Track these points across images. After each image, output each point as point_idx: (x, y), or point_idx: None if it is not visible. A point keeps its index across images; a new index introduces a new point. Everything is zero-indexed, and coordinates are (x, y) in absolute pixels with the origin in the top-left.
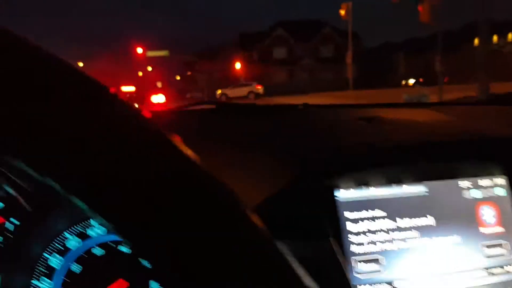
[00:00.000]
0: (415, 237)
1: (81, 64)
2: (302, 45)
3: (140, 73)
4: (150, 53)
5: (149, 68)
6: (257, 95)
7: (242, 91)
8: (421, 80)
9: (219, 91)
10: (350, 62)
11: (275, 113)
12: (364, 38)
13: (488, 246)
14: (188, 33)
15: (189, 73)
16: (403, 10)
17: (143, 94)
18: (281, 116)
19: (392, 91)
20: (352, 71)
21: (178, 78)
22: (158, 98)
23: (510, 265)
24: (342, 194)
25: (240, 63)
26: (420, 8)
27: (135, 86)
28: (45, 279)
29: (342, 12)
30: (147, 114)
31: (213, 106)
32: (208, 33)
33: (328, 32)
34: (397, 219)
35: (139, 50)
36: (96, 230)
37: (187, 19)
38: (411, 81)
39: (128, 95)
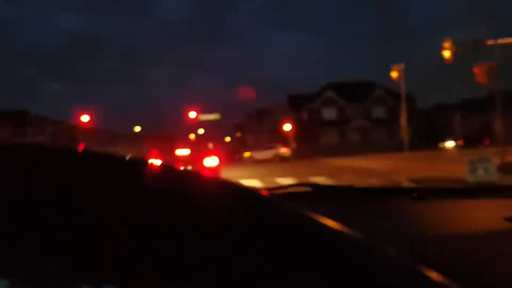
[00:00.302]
0: None
1: (138, 129)
2: (353, 106)
3: (192, 136)
4: (203, 117)
5: (201, 131)
6: (283, 157)
7: (267, 154)
8: (460, 142)
9: (247, 154)
10: (405, 124)
11: (378, 197)
12: (417, 99)
13: None
14: (237, 95)
15: (238, 134)
16: (457, 71)
17: (196, 157)
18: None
19: (450, 152)
20: (407, 133)
21: (228, 139)
22: (211, 161)
23: None
24: None
25: (289, 124)
26: (475, 69)
27: (189, 148)
28: None
29: (394, 74)
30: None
31: (309, 189)
32: (258, 95)
33: (380, 94)
34: None
35: (192, 114)
36: None
37: (237, 82)
38: (450, 144)
39: (182, 159)
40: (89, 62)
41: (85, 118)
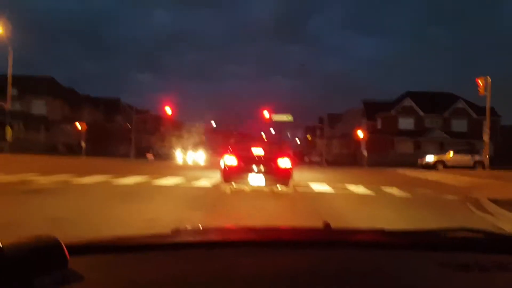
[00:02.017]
0: None
1: (214, 124)
2: (432, 117)
3: (264, 136)
4: (276, 117)
5: (272, 131)
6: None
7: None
8: None
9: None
10: (487, 141)
11: None
12: (502, 115)
13: None
14: (312, 98)
15: (309, 137)
16: None
17: (270, 156)
18: None
19: None
20: (488, 150)
21: (298, 141)
22: (285, 162)
23: None
24: None
25: (362, 131)
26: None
27: (262, 147)
28: None
29: (481, 88)
30: None
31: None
32: (332, 99)
33: (461, 106)
34: None
35: (266, 114)
36: None
37: (314, 85)
38: None
39: (256, 157)
40: (174, 56)
41: (168, 110)
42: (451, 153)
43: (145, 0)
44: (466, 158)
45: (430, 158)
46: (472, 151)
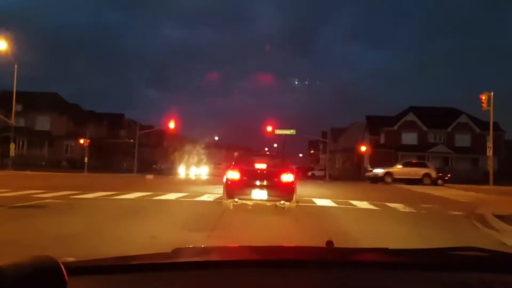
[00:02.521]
0: None
1: (216, 138)
2: (435, 132)
3: (267, 149)
4: (279, 131)
5: (275, 145)
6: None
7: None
8: None
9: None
10: (491, 155)
11: None
12: (507, 129)
13: None
14: (315, 113)
15: (312, 151)
16: None
17: (273, 170)
18: None
19: None
20: (493, 164)
21: (300, 155)
22: (288, 177)
23: None
24: None
25: (365, 146)
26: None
27: (265, 162)
28: None
29: (484, 104)
30: None
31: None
32: (335, 113)
33: (464, 121)
34: None
35: (269, 128)
36: None
37: (317, 99)
38: None
39: (259, 172)
40: (179, 71)
41: (171, 125)
42: (399, 166)
43: (153, 16)
44: (415, 171)
45: (378, 170)
46: (422, 164)
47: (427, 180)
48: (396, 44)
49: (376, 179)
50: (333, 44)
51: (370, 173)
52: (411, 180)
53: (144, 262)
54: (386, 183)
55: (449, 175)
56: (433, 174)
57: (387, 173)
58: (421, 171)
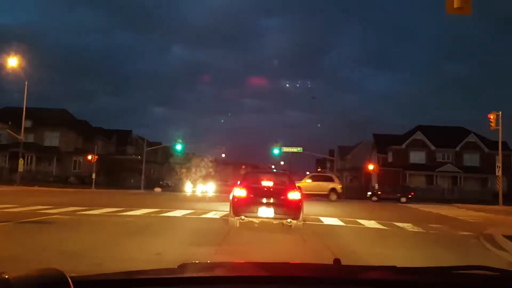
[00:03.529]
0: None
1: (223, 155)
2: (443, 152)
3: (273, 167)
4: (286, 149)
5: (282, 163)
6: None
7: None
8: None
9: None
10: (500, 175)
11: None
12: None
13: None
14: (323, 131)
15: (319, 169)
16: None
17: (280, 188)
18: None
19: None
20: (502, 184)
21: (307, 173)
22: (295, 195)
23: None
24: None
25: (373, 164)
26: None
27: (272, 180)
28: None
29: (493, 123)
30: None
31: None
32: (342, 133)
33: (473, 140)
34: None
35: (276, 146)
36: None
37: (324, 118)
38: None
39: (266, 190)
40: (188, 90)
41: (179, 146)
42: (308, 180)
43: (163, 37)
44: (322, 186)
45: None
46: (328, 177)
47: (333, 196)
48: (404, 67)
49: None
50: (344, 66)
51: None
52: (318, 195)
53: (149, 277)
54: None
55: (412, 193)
56: (339, 188)
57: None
58: (328, 185)
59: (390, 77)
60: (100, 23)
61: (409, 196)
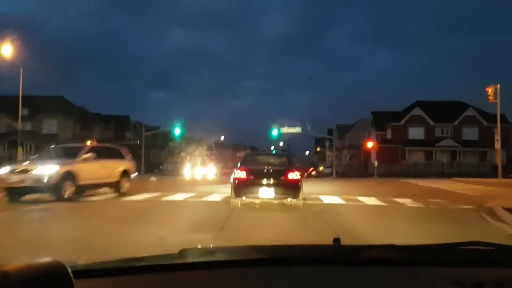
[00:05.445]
0: None
1: (222, 138)
2: (442, 126)
3: (272, 148)
4: (284, 130)
5: (281, 144)
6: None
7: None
8: None
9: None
10: (499, 148)
11: None
12: None
13: None
14: (323, 110)
15: (318, 149)
16: None
17: (278, 169)
18: None
19: None
20: (501, 157)
21: (307, 153)
22: (294, 175)
23: None
24: None
25: (372, 142)
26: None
27: (271, 161)
28: None
29: (490, 96)
30: None
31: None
32: (342, 111)
33: (471, 114)
34: None
35: (275, 127)
36: None
37: (324, 97)
38: None
39: (266, 171)
40: (186, 73)
41: (177, 130)
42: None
43: (160, 21)
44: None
45: None
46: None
47: (125, 184)
48: (403, 42)
49: None
50: (343, 44)
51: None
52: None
53: (150, 264)
54: None
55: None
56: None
57: None
58: (117, 166)
59: (389, 53)
60: (97, 7)
61: None
